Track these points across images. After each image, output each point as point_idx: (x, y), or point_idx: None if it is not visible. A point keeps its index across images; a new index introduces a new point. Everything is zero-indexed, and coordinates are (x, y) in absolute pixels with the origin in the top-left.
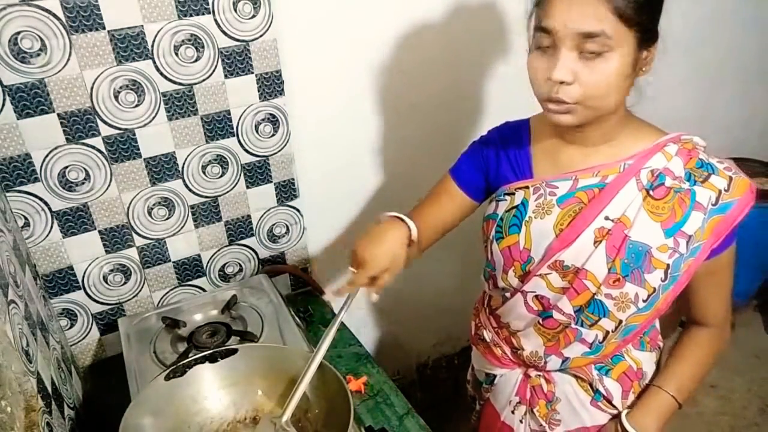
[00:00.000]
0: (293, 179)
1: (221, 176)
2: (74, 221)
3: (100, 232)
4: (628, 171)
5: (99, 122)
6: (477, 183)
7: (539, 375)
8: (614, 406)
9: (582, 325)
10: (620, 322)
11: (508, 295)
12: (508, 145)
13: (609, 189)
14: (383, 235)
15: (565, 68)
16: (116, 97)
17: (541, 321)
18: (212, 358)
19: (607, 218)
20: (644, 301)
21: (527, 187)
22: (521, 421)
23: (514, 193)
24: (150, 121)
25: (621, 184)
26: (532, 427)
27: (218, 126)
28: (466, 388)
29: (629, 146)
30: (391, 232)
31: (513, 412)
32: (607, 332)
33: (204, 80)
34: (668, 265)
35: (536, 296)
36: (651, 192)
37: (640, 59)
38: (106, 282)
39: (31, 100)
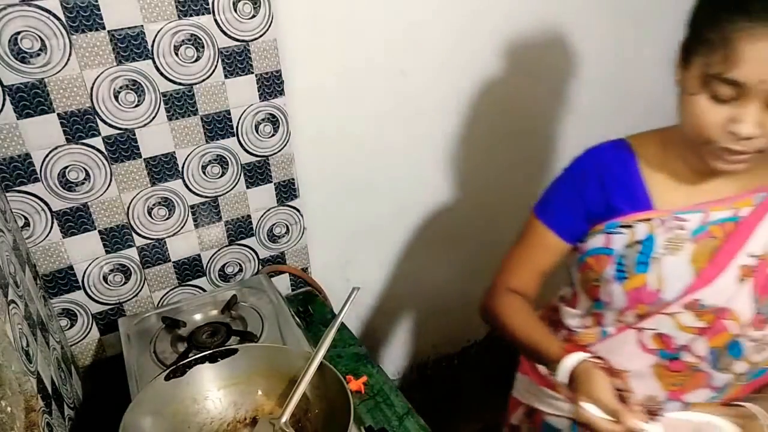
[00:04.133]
0: (293, 179)
1: (221, 176)
2: (74, 221)
3: (100, 232)
4: (764, 204)
5: (99, 122)
6: (577, 226)
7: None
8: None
9: (715, 368)
10: (754, 365)
11: (611, 330)
12: (614, 174)
13: (746, 224)
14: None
15: (755, 124)
16: (116, 97)
17: (665, 363)
18: (212, 358)
19: (750, 255)
20: None
21: (649, 220)
22: None
23: (632, 226)
24: (150, 121)
25: (758, 218)
26: None
27: (218, 126)
28: (466, 388)
29: (760, 175)
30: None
31: None
32: (737, 375)
33: (204, 80)
34: None
35: (658, 334)
36: None
37: None
38: (106, 282)
39: (31, 100)
